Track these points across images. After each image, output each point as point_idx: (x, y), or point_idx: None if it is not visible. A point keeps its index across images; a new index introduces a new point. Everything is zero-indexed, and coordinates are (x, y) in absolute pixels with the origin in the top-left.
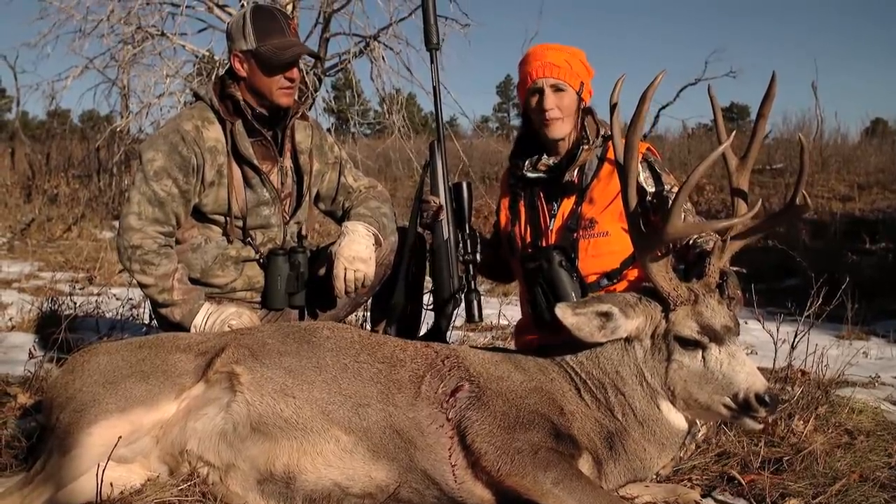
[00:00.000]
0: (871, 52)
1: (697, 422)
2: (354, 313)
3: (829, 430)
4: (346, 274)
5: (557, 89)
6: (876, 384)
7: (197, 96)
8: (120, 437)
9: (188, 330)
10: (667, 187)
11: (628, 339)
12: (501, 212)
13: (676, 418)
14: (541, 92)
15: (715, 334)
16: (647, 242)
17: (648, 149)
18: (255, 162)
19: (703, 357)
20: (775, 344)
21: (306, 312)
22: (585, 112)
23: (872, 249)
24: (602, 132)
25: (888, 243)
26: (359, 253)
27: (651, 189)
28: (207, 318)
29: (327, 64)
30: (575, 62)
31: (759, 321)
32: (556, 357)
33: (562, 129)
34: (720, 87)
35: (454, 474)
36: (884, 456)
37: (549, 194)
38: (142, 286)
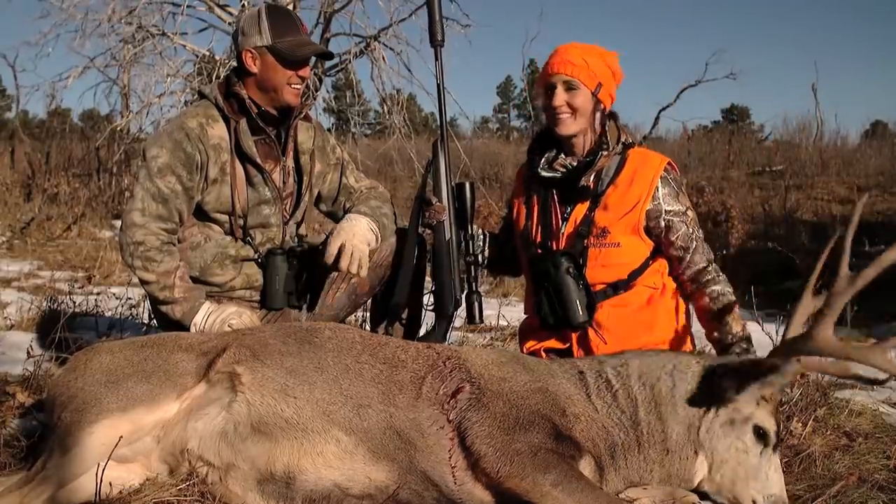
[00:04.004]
0: (872, 54)
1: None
2: (354, 314)
3: (828, 433)
4: (343, 245)
5: (570, 87)
6: (874, 387)
7: (202, 94)
8: (121, 436)
9: (188, 328)
10: (682, 208)
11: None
12: (514, 206)
13: (699, 474)
14: (553, 88)
15: (776, 442)
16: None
17: (670, 164)
18: (258, 160)
19: (762, 453)
20: (774, 346)
21: (306, 311)
22: (609, 116)
23: (872, 252)
24: (623, 139)
25: (887, 246)
26: (358, 233)
27: (667, 207)
28: (207, 317)
29: (328, 64)
30: (596, 62)
31: (759, 323)
32: (593, 361)
33: (570, 126)
34: (720, 88)
35: (454, 476)
36: (882, 458)
37: (564, 197)
38: (143, 283)
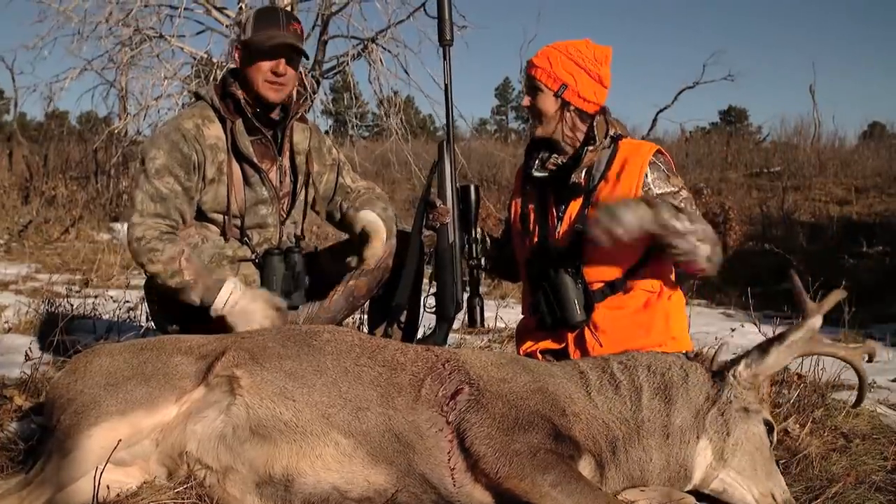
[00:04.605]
0: (870, 56)
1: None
2: (351, 316)
3: (825, 434)
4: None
5: (533, 89)
6: (872, 388)
7: (197, 96)
8: (120, 439)
9: (209, 313)
10: (674, 189)
11: (722, 375)
12: (513, 207)
13: (700, 461)
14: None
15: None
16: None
17: (659, 151)
18: (255, 160)
19: (770, 447)
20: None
21: (305, 311)
22: (600, 111)
23: (869, 253)
24: (612, 132)
25: (885, 247)
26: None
27: (657, 191)
28: (235, 303)
29: (325, 66)
30: (561, 62)
31: (756, 324)
32: (597, 360)
33: (538, 128)
34: (718, 90)
35: (453, 478)
36: (879, 459)
37: (558, 196)
38: (154, 277)
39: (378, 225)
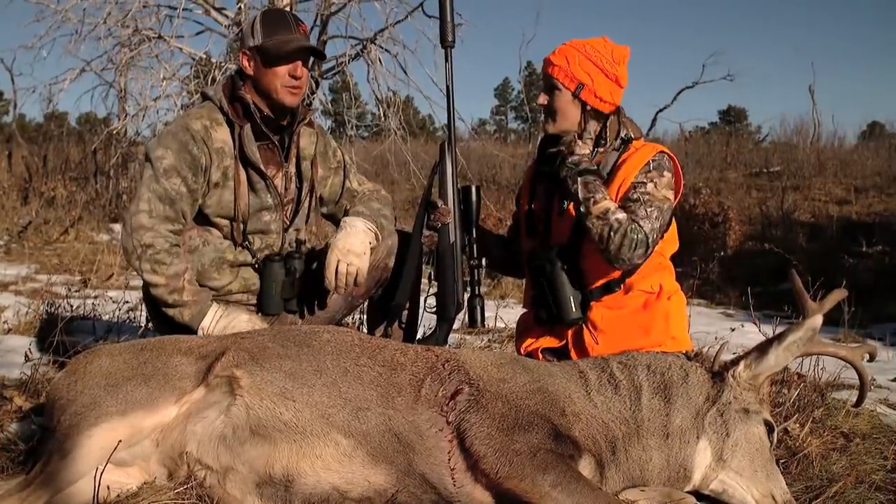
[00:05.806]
0: (869, 56)
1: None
2: (352, 315)
3: (825, 433)
4: (338, 266)
5: (551, 87)
6: (872, 387)
7: (205, 97)
8: (120, 440)
9: (195, 332)
10: (643, 181)
11: (722, 375)
12: (521, 202)
13: (699, 461)
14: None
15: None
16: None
17: (661, 151)
18: (262, 167)
19: (770, 449)
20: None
21: (305, 314)
22: (614, 111)
23: (869, 253)
24: (623, 133)
25: (885, 246)
26: (353, 247)
27: (633, 179)
28: (217, 322)
29: (324, 67)
30: (579, 61)
31: (756, 324)
32: (597, 360)
33: (549, 126)
34: (717, 90)
35: (453, 478)
36: (879, 459)
37: (565, 193)
38: (151, 286)
39: (332, 248)
